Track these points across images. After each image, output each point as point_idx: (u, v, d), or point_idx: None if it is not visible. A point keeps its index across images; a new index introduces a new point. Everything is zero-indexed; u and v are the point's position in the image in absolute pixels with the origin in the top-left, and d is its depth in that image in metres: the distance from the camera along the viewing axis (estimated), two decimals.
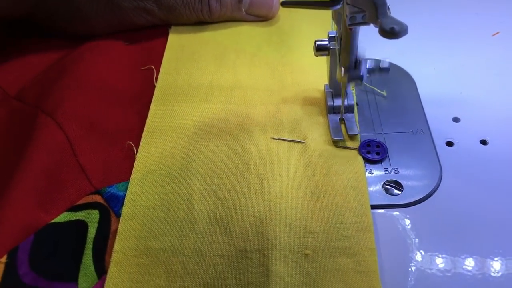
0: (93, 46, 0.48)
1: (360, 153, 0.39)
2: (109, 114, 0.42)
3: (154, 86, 0.45)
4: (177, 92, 0.45)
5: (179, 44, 0.50)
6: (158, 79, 0.46)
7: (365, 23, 0.31)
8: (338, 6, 0.30)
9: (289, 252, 0.33)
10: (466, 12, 0.52)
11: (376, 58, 0.47)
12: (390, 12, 0.31)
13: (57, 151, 0.38)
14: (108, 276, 0.32)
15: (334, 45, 0.38)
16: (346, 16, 0.31)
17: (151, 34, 0.51)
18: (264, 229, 0.34)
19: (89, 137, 0.40)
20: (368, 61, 0.37)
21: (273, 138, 0.40)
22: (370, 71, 0.37)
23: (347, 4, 0.31)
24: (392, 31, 0.28)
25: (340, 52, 0.36)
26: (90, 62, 0.46)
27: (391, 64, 0.46)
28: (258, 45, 0.50)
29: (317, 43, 0.39)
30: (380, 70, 0.38)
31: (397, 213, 0.36)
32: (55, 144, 0.39)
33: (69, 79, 0.44)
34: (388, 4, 0.31)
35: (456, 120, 0.42)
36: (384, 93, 0.44)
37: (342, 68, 0.36)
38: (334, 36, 0.39)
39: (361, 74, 0.36)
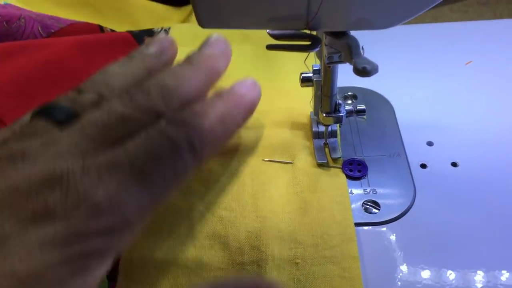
0: None
1: (343, 171, 0.43)
2: None
3: None
4: None
5: None
6: None
7: (341, 62, 0.35)
8: (317, 49, 0.34)
9: (282, 261, 0.37)
10: (441, 41, 0.55)
11: (359, 86, 0.51)
12: (364, 52, 0.34)
13: None
14: (117, 284, 0.36)
15: (318, 77, 0.42)
16: (325, 56, 0.35)
17: None
18: (258, 242, 0.37)
19: None
20: (346, 105, 0.43)
21: (264, 160, 0.43)
22: (348, 113, 0.42)
23: (325, 45, 0.35)
24: (364, 70, 0.32)
25: (322, 98, 0.41)
26: None
27: (371, 91, 0.51)
28: (246, 71, 0.54)
29: (302, 75, 0.43)
30: (357, 112, 0.43)
31: (376, 229, 0.40)
32: None
33: None
34: (362, 45, 0.35)
35: (430, 144, 0.45)
36: (365, 118, 0.48)
37: (324, 114, 0.41)
38: (318, 69, 0.43)
39: (341, 116, 0.41)
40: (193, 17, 0.77)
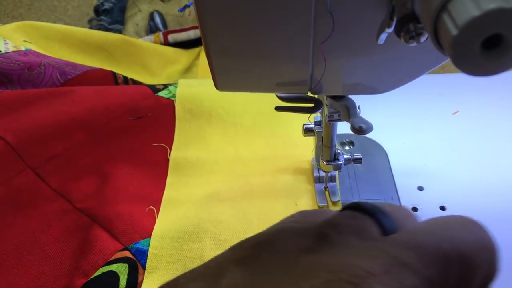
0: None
1: None
2: (134, 181, 0.51)
3: (167, 159, 0.54)
4: (187, 166, 0.53)
5: (185, 119, 0.59)
6: (171, 154, 0.54)
7: (340, 120, 0.40)
8: (320, 110, 0.38)
9: None
10: (431, 92, 0.60)
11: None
12: (360, 111, 0.39)
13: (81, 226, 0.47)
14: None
15: (319, 128, 0.47)
16: (326, 114, 0.40)
17: (157, 109, 0.59)
18: None
19: (114, 202, 0.48)
20: (344, 154, 0.47)
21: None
22: (346, 161, 0.47)
23: (326, 105, 0.40)
24: (360, 129, 0.37)
25: (322, 148, 0.45)
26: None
27: (368, 138, 0.55)
28: (253, 117, 0.58)
29: (305, 126, 0.48)
30: (355, 160, 0.47)
31: None
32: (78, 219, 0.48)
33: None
34: (359, 104, 0.39)
35: (420, 188, 0.50)
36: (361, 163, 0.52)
37: (324, 162, 0.46)
38: (319, 121, 0.48)
39: (340, 164, 0.45)
40: (200, 61, 0.83)
